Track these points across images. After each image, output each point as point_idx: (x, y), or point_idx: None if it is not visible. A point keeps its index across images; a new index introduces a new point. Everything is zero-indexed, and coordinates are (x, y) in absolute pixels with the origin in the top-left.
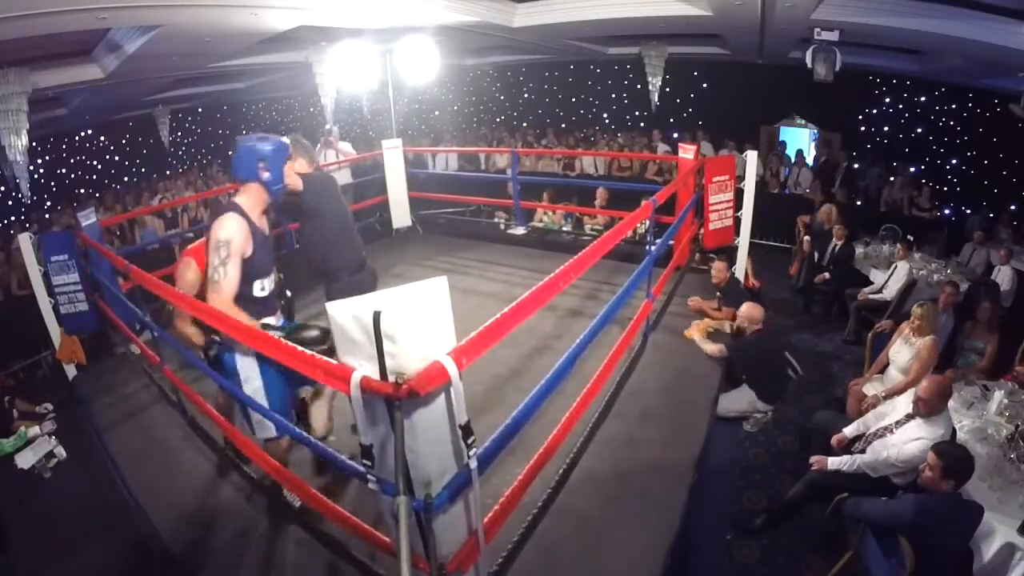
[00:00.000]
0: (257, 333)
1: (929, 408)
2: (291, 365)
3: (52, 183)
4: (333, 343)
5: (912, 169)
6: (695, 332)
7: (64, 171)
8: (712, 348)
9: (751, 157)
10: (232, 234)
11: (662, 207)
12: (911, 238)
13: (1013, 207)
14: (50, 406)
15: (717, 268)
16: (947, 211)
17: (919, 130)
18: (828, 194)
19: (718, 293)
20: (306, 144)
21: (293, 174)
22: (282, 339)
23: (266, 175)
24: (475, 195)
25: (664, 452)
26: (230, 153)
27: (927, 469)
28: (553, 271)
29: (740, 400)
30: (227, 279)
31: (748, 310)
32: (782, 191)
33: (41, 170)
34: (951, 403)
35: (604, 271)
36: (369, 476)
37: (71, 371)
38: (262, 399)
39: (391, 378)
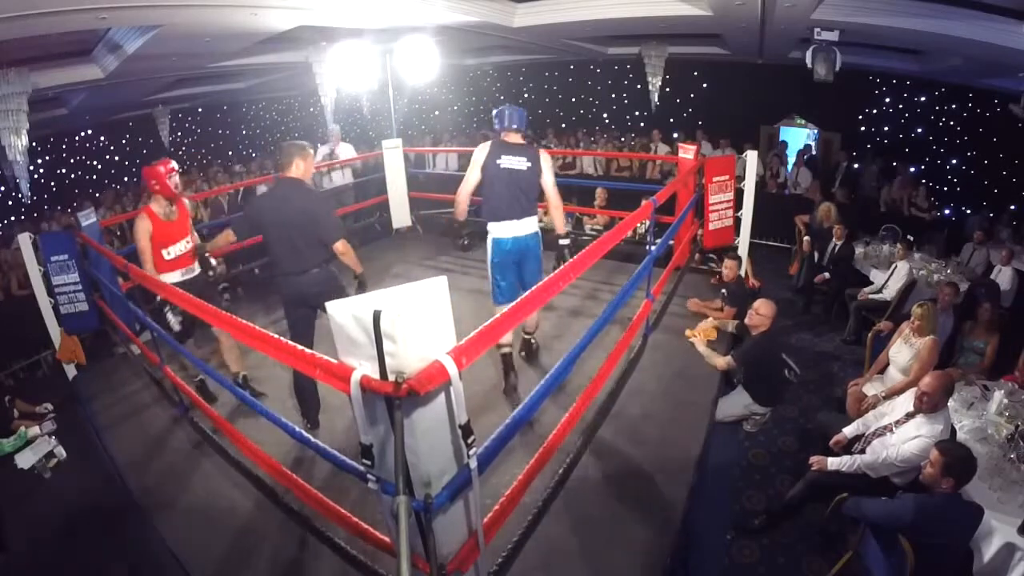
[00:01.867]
0: (258, 333)
1: (932, 403)
2: (291, 364)
3: (52, 183)
4: None
5: (912, 169)
6: (699, 341)
7: (64, 171)
8: (720, 362)
9: (751, 157)
10: None
11: (662, 207)
12: (911, 238)
13: (1013, 207)
14: (50, 406)
15: (729, 267)
16: (947, 211)
17: (919, 130)
18: (828, 194)
19: (723, 291)
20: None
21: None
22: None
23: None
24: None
25: (664, 452)
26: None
27: (928, 466)
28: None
29: (736, 404)
30: None
31: (759, 306)
32: (782, 191)
33: (41, 170)
34: (951, 403)
35: (604, 271)
36: (369, 476)
37: (71, 371)
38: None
39: (391, 377)
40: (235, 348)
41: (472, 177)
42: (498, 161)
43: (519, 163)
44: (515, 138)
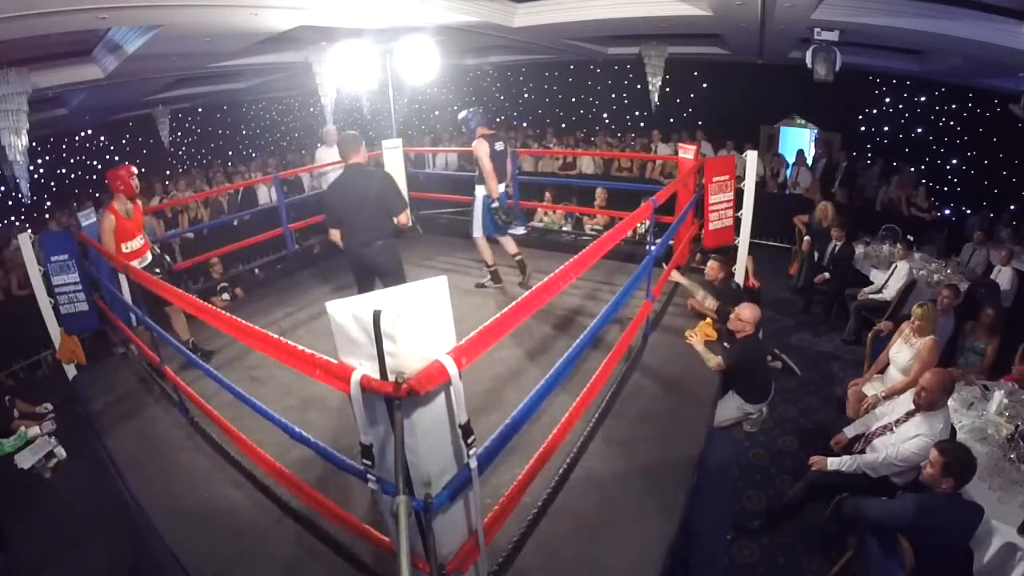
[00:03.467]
0: (258, 333)
1: (930, 400)
2: (291, 364)
3: (52, 183)
4: None
5: (912, 169)
6: (697, 341)
7: (64, 171)
8: (713, 362)
9: (751, 157)
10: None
11: (662, 207)
12: (911, 238)
13: (1013, 207)
14: (50, 406)
15: (710, 267)
16: (947, 211)
17: (919, 130)
18: (828, 194)
19: (714, 293)
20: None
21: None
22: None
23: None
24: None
25: (664, 452)
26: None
27: (928, 466)
28: (553, 271)
29: (730, 408)
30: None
31: (741, 311)
32: (782, 191)
33: (41, 170)
34: (951, 403)
35: (604, 271)
36: (369, 476)
37: (71, 371)
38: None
39: (391, 377)
40: (182, 317)
41: (489, 163)
42: (495, 147)
43: (501, 145)
44: (488, 131)
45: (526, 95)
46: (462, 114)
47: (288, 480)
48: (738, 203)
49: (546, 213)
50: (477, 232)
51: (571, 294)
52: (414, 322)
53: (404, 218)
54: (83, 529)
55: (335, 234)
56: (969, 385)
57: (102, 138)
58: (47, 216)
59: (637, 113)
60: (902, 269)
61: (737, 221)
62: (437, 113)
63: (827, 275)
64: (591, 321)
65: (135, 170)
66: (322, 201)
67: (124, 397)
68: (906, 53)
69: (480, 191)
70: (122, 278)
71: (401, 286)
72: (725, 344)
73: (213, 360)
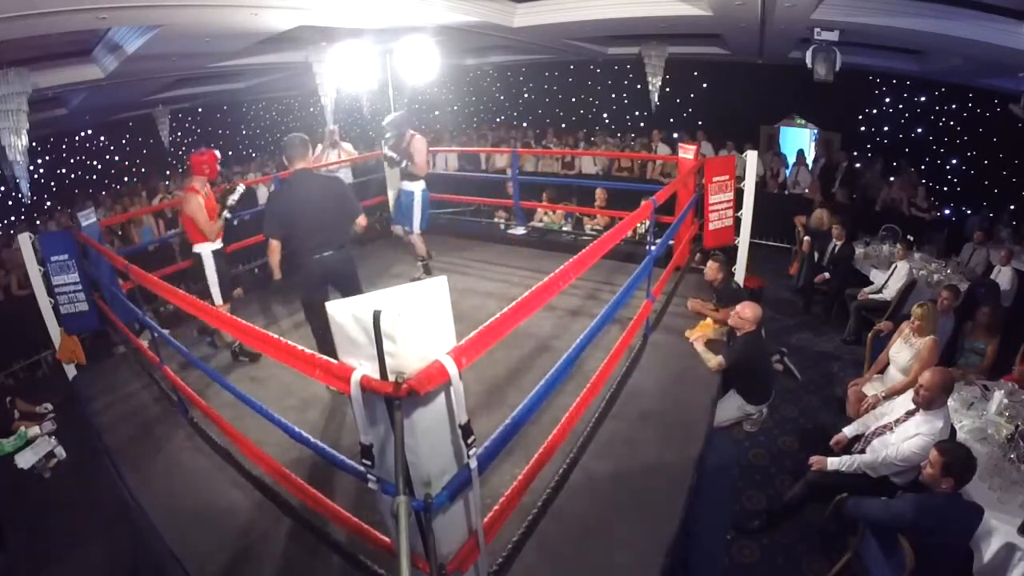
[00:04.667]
0: (258, 333)
1: (929, 398)
2: (291, 364)
3: (52, 183)
4: None
5: (912, 168)
6: (698, 341)
7: (64, 171)
8: (714, 362)
9: (751, 157)
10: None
11: (662, 207)
12: (911, 238)
13: (1013, 207)
14: (50, 406)
15: (710, 268)
16: (947, 211)
17: (919, 130)
18: (828, 194)
19: (714, 294)
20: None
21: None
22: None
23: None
24: (475, 195)
25: (664, 452)
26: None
27: (928, 466)
28: (553, 271)
29: (730, 408)
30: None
31: (742, 309)
32: (782, 191)
33: (41, 170)
34: (951, 403)
35: (604, 271)
36: (369, 476)
37: (71, 371)
38: None
39: (391, 377)
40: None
41: (427, 156)
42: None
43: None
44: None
45: (526, 95)
46: (389, 118)
47: (288, 480)
48: (738, 203)
49: (546, 213)
50: (417, 229)
51: (571, 294)
52: (414, 322)
53: (363, 221)
54: (83, 529)
55: (276, 247)
56: (969, 385)
57: (102, 138)
58: (47, 216)
59: (637, 113)
60: (902, 269)
61: (737, 221)
62: (437, 113)
63: (827, 275)
64: (591, 321)
65: (219, 155)
66: (266, 211)
67: (124, 397)
68: (906, 53)
69: (418, 186)
70: (208, 261)
71: (401, 286)
72: (729, 343)
73: (214, 360)
